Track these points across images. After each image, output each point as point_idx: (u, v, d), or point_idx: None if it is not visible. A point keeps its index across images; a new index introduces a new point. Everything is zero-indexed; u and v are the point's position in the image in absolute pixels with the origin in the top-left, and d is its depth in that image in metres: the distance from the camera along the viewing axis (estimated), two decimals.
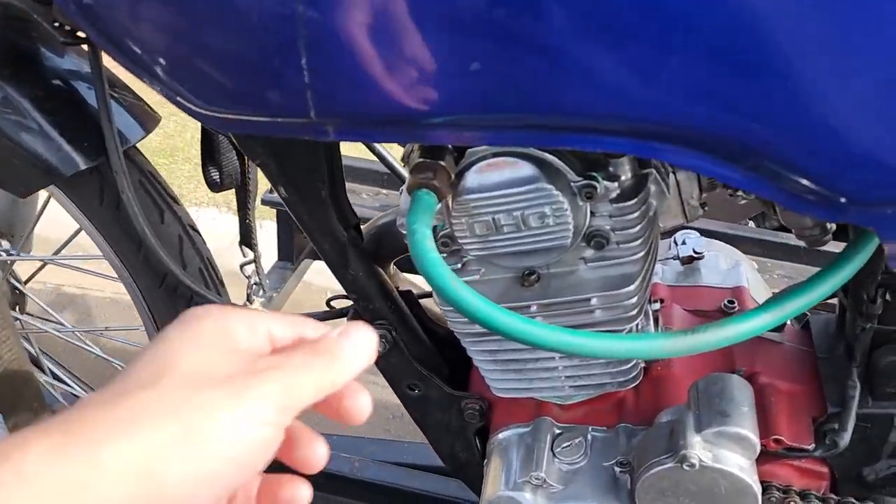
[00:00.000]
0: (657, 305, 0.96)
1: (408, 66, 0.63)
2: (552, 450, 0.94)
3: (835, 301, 1.00)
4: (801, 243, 0.85)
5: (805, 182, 0.63)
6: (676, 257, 1.14)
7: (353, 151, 2.56)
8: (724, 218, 1.99)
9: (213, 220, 2.88)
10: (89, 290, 2.32)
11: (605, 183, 0.79)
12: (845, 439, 0.89)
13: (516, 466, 0.94)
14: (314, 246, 0.99)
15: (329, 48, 0.62)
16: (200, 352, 0.44)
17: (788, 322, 1.05)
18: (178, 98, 0.75)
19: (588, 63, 0.61)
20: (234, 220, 1.83)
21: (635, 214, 0.81)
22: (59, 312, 1.24)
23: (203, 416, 0.41)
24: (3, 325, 0.72)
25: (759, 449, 0.83)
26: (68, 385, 1.32)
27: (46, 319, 1.23)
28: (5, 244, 1.17)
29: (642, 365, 0.95)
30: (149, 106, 1.01)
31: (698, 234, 1.18)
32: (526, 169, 0.77)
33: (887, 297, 0.83)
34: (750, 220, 2.01)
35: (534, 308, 0.87)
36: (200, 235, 1.08)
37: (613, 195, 0.80)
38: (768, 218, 1.93)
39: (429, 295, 1.14)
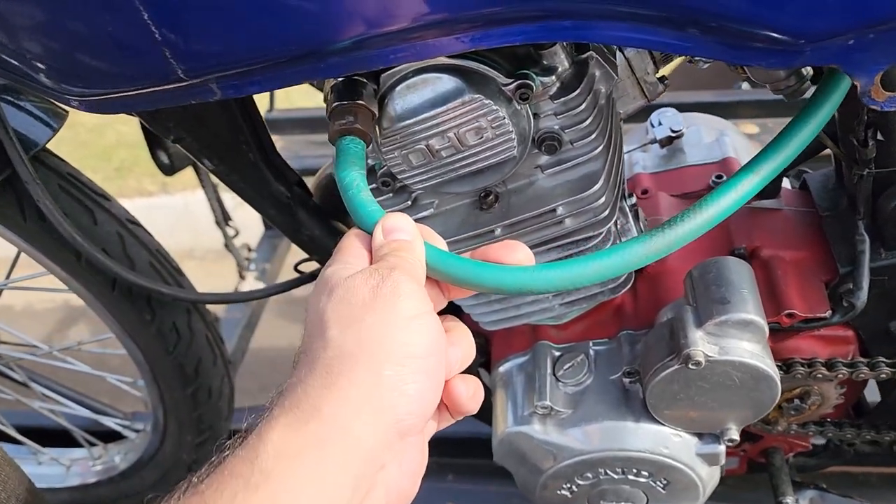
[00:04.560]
0: (633, 200, 0.87)
1: None
2: (554, 374, 0.88)
3: (829, 153, 0.91)
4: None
5: (748, 29, 0.54)
6: (654, 140, 1.05)
7: (308, 101, 2.44)
8: (714, 86, 1.88)
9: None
10: (46, 305, 2.28)
11: (541, 79, 0.70)
12: (862, 298, 0.82)
13: (520, 399, 0.88)
14: (259, 213, 0.92)
15: None
16: (333, 300, 0.53)
17: (785, 184, 0.96)
18: (62, 94, 0.67)
19: None
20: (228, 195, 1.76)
21: (583, 106, 0.72)
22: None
23: (380, 338, 0.50)
24: None
25: (767, 331, 0.76)
26: (62, 404, 1.29)
27: (22, 345, 1.19)
28: None
29: None
30: (52, 102, 0.93)
31: (675, 111, 1.08)
32: (448, 82, 0.68)
33: (878, 136, 0.74)
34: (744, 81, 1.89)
35: (498, 231, 0.79)
36: (142, 227, 1.01)
37: (553, 90, 0.71)
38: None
39: None
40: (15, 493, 0.68)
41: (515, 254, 0.60)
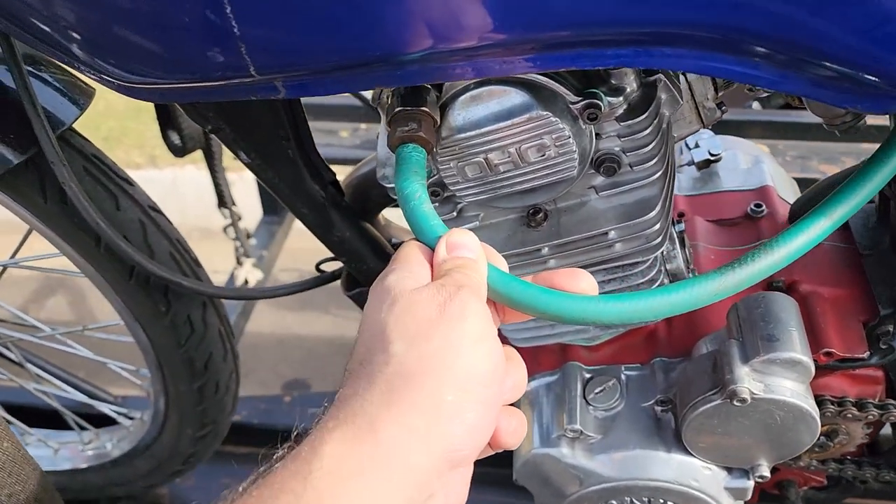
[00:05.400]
0: (682, 226, 0.86)
1: None
2: (584, 397, 0.86)
3: None
4: (814, 119, 0.75)
5: (854, 73, 0.53)
6: (691, 162, 1.04)
7: None
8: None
9: (198, 176, 2.75)
10: (50, 284, 2.23)
11: (609, 99, 0.68)
12: None
13: (548, 420, 0.86)
14: (291, 211, 0.89)
15: None
16: (394, 316, 0.50)
17: None
18: (102, 75, 0.63)
19: None
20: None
21: (647, 130, 0.70)
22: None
23: (443, 359, 0.48)
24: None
25: (813, 372, 0.75)
26: (55, 386, 1.24)
27: (21, 325, 1.14)
28: None
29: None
30: (78, 79, 0.89)
31: (711, 133, 1.06)
32: (516, 97, 0.66)
33: None
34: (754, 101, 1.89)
35: (545, 250, 0.77)
36: (163, 215, 0.97)
37: (620, 112, 0.69)
38: (774, 96, 1.81)
39: None
40: (34, 493, 0.65)
41: (580, 282, 0.58)
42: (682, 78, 0.76)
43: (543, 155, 0.68)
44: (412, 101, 0.64)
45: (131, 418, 1.27)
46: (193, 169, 2.74)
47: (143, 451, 1.22)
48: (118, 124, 3.16)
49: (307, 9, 0.52)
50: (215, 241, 2.17)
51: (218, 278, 2.00)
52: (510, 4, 0.52)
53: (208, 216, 2.60)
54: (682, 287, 0.61)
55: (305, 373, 2.21)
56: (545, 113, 0.65)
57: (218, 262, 2.03)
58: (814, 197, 0.91)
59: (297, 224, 2.25)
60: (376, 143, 0.79)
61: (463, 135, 0.68)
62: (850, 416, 0.85)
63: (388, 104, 0.66)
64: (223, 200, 1.61)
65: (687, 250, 0.85)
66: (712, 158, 1.02)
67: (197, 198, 2.67)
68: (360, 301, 0.96)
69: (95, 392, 1.36)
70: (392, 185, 0.76)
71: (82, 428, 1.29)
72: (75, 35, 0.61)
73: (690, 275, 0.86)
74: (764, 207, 0.96)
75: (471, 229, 0.78)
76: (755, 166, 1.03)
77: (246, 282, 1.76)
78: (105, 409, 1.27)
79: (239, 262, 1.78)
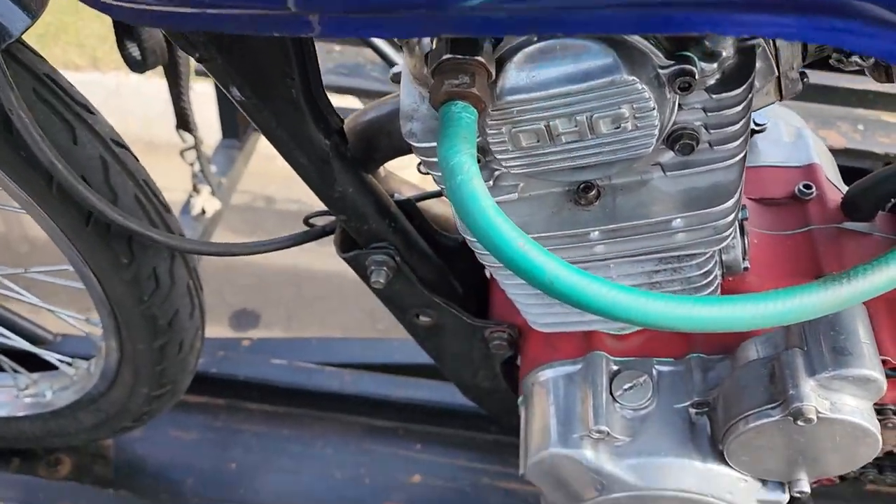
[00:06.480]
0: (745, 213, 0.75)
1: None
2: (611, 393, 0.77)
3: None
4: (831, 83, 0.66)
5: None
6: None
7: None
8: None
9: (144, 83, 2.51)
10: None
11: (703, 65, 0.56)
12: None
13: (569, 417, 0.77)
14: (287, 161, 0.75)
15: None
16: None
17: None
18: None
19: None
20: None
21: (739, 107, 0.59)
22: None
23: None
24: None
25: (885, 389, 0.67)
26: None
27: None
28: None
29: (718, 278, 0.76)
30: None
31: None
32: (598, 55, 0.53)
33: None
34: None
35: (594, 234, 0.66)
36: (129, 151, 0.82)
37: (712, 82, 0.57)
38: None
39: (432, 195, 0.92)
40: None
41: None
42: (771, 43, 0.64)
43: (618, 127, 0.57)
44: (465, 48, 0.51)
45: (68, 363, 1.13)
46: (140, 74, 2.52)
47: (88, 405, 1.09)
48: (56, 19, 2.87)
49: None
50: (159, 154, 1.99)
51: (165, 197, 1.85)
52: None
53: (152, 128, 2.38)
54: (779, 297, 0.51)
55: (255, 302, 2.09)
56: (631, 78, 0.53)
57: (162, 178, 1.86)
58: (871, 187, 0.82)
59: (259, 148, 2.08)
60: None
61: (523, 96, 0.55)
62: (890, 425, 0.79)
63: (433, 48, 0.53)
64: (185, 123, 1.43)
65: (745, 239, 0.75)
66: (757, 129, 0.92)
67: (142, 107, 2.46)
68: (357, 265, 0.83)
69: (32, 330, 1.22)
70: (423, 145, 0.63)
71: (16, 371, 1.15)
72: None
73: (745, 264, 0.76)
74: (813, 189, 0.86)
75: (508, 201, 0.67)
76: (799, 140, 0.93)
77: (203, 212, 1.61)
78: (46, 356, 1.12)
79: (196, 190, 1.62)
